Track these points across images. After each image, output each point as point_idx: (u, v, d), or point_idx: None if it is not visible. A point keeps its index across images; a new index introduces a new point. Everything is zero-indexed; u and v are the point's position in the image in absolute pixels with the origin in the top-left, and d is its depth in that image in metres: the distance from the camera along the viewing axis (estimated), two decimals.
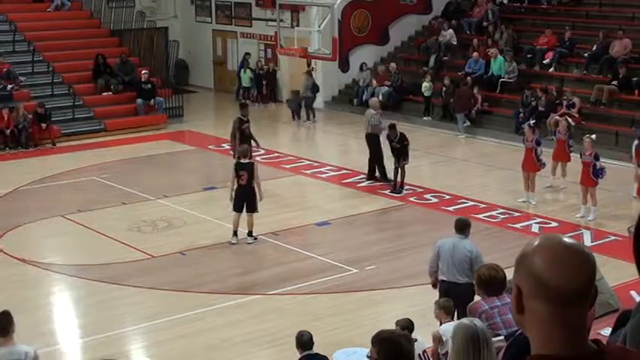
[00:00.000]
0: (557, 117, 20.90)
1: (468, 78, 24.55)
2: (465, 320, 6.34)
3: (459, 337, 5.96)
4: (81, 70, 26.41)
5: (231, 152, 18.99)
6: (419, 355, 8.74)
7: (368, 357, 5.70)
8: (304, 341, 8.72)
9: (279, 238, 15.68)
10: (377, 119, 19.24)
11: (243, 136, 18.69)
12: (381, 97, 26.34)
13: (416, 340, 8.91)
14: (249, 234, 15.34)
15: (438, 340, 8.68)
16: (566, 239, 2.17)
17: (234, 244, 15.29)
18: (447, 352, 8.28)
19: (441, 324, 9.15)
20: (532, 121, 20.27)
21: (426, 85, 25.17)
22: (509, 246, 14.24)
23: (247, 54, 29.66)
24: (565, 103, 22.06)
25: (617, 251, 13.67)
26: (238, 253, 15.14)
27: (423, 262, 12.88)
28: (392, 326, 8.66)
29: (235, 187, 15.08)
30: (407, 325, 8.81)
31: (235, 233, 15.30)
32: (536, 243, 2.16)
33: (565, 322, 2.10)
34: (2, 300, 13.07)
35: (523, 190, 17.51)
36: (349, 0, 27.31)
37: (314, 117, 26.29)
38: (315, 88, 26.64)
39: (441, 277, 10.75)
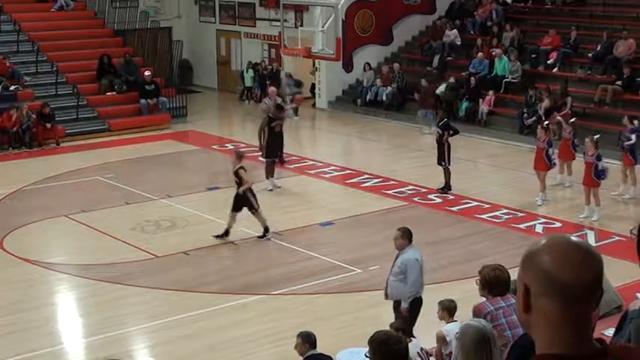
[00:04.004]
0: (559, 117, 20.85)
1: (472, 78, 24.54)
2: (473, 321, 6.34)
3: (468, 338, 5.97)
4: (85, 70, 26.43)
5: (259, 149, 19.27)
6: (417, 352, 8.74)
7: (366, 356, 5.83)
8: (312, 340, 8.76)
9: (282, 238, 15.68)
10: (268, 105, 19.96)
11: (273, 134, 18.74)
12: (385, 98, 26.46)
13: (414, 337, 8.93)
14: None
15: (441, 340, 8.67)
16: (573, 238, 2.18)
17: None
18: (450, 352, 8.26)
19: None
20: (545, 122, 20.24)
21: (441, 89, 24.94)
22: (513, 246, 14.25)
23: (257, 63, 29.68)
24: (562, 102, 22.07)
25: (621, 252, 13.65)
26: (242, 253, 15.15)
27: (426, 262, 12.89)
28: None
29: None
30: (401, 327, 8.81)
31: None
32: (543, 242, 2.16)
33: (573, 319, 2.10)
34: (6, 299, 13.15)
35: (539, 191, 17.50)
36: (353, 0, 27.30)
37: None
38: (297, 84, 27.48)
39: (421, 294, 10.48)
